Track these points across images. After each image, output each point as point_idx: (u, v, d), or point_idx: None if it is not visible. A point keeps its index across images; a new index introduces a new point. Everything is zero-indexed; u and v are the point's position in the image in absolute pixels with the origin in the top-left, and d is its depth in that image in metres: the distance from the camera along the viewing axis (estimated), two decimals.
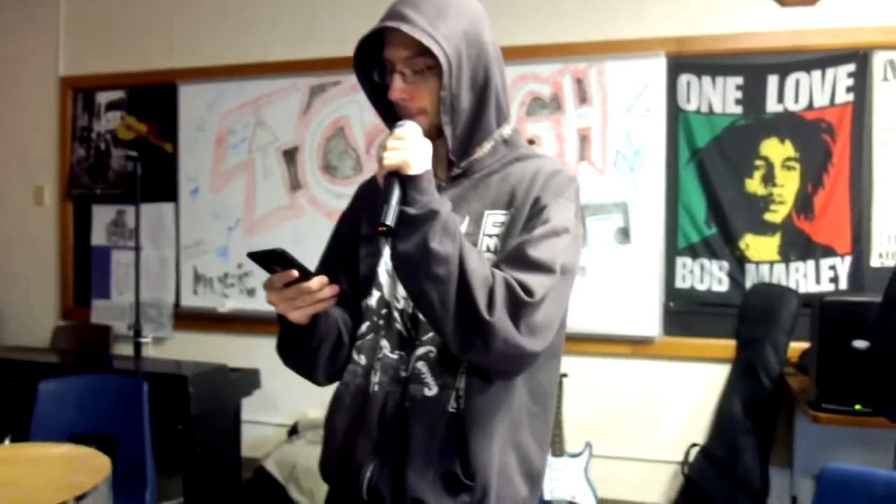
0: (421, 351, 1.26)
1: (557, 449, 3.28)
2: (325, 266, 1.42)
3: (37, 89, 4.39)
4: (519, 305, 1.13)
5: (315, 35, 3.84)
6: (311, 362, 1.34)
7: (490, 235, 1.28)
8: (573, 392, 3.37)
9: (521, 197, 1.27)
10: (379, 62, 1.29)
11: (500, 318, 1.11)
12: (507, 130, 1.35)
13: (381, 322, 1.31)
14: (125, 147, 4.18)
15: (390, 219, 1.13)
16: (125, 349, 3.91)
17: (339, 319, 1.35)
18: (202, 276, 4.06)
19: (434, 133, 1.28)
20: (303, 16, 3.88)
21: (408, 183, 1.15)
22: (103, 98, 4.24)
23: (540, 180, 1.28)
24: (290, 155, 3.90)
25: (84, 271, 4.30)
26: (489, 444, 1.22)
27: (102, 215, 4.26)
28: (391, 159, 1.16)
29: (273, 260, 1.16)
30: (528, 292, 1.14)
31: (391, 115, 1.32)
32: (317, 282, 1.19)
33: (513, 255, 1.20)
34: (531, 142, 1.46)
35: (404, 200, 1.14)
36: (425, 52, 1.21)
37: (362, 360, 1.31)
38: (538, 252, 1.18)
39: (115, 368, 3.46)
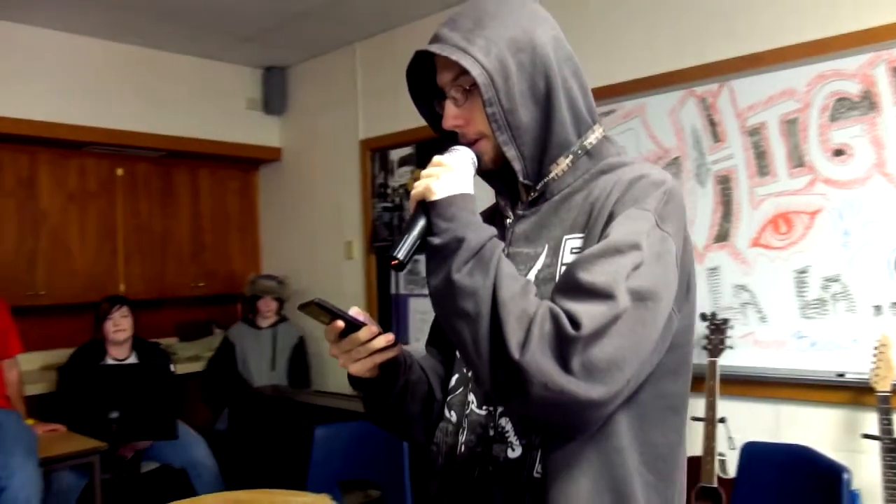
0: None
1: None
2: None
3: (344, 153, 4.84)
4: (563, 341, 0.94)
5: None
6: (399, 420, 1.26)
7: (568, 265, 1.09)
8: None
9: (595, 215, 1.11)
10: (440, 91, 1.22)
11: (535, 357, 0.93)
12: (590, 139, 1.19)
13: (469, 373, 1.20)
14: None
15: (403, 251, 1.06)
16: None
17: (431, 371, 1.27)
18: None
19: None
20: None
21: (430, 210, 1.07)
22: (395, 155, 4.52)
23: (617, 191, 1.10)
24: None
25: (387, 319, 4.56)
26: None
27: None
28: (415, 188, 1.11)
29: (319, 312, 1.10)
30: (575, 324, 0.94)
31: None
32: (365, 332, 1.12)
33: (562, 282, 1.03)
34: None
35: (430, 230, 1.07)
36: (466, 69, 1.11)
37: (453, 416, 1.21)
38: (590, 275, 0.98)
39: None
